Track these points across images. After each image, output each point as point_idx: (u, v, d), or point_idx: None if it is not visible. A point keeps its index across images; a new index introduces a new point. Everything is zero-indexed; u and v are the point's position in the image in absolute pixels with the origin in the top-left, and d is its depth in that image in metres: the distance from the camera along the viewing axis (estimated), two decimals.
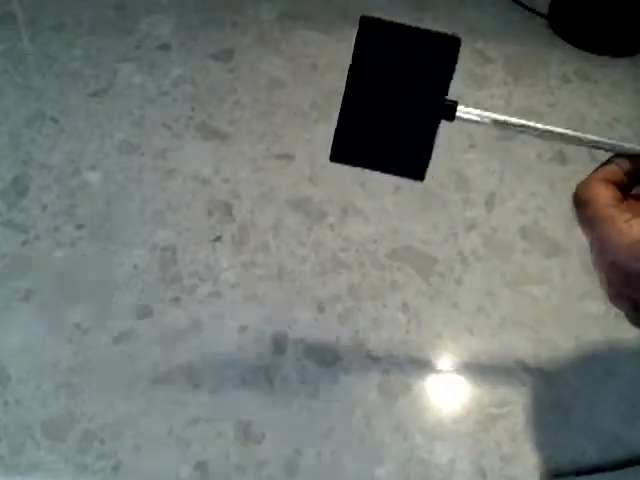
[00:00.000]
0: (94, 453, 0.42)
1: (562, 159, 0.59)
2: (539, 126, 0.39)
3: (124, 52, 0.67)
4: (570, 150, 0.59)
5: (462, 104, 0.38)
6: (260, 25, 0.70)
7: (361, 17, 0.37)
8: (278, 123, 0.61)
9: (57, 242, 0.52)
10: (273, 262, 0.51)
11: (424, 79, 0.37)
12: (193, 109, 0.62)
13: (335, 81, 0.65)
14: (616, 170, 0.39)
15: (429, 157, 0.38)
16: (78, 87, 0.64)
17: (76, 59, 0.66)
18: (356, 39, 0.37)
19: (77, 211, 0.54)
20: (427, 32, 0.37)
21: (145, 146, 0.59)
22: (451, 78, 0.37)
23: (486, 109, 0.38)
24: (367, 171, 0.52)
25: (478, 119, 0.39)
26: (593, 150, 0.61)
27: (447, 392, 0.45)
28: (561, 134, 0.40)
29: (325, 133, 0.60)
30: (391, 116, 0.38)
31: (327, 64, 0.66)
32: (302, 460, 0.42)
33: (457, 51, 0.36)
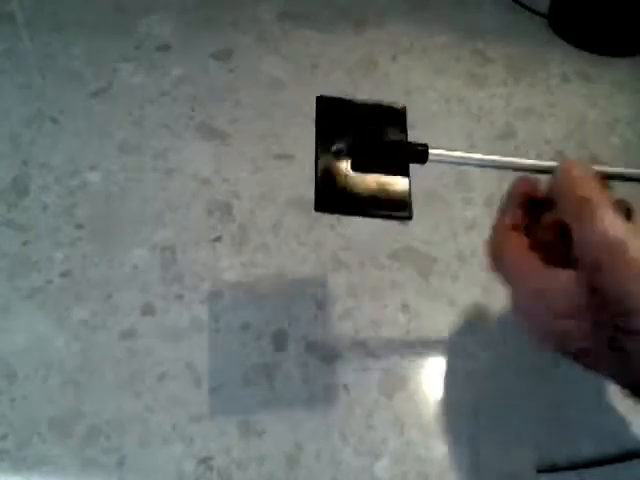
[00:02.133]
0: (99, 448, 0.42)
1: (562, 159, 0.59)
2: (497, 159, 0.43)
3: (124, 52, 0.67)
4: (570, 150, 0.60)
5: (431, 147, 0.42)
6: (260, 25, 0.70)
7: (317, 97, 0.43)
8: (278, 123, 0.61)
9: (57, 242, 0.52)
10: (273, 262, 0.51)
11: (383, 136, 0.42)
12: (193, 109, 0.62)
13: (335, 81, 0.65)
14: (518, 213, 0.40)
15: (409, 198, 0.40)
16: (78, 87, 0.64)
17: (76, 59, 0.66)
18: (316, 111, 0.42)
19: (77, 211, 0.54)
20: (376, 105, 0.43)
21: (145, 146, 0.59)
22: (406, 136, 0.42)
23: (452, 149, 0.42)
24: None
25: (448, 159, 0.43)
26: (593, 150, 0.62)
27: (445, 389, 0.46)
28: (512, 164, 0.42)
29: None
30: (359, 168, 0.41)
31: (327, 64, 0.66)
32: (302, 455, 0.42)
33: (404, 116, 0.43)
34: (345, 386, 0.45)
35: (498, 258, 0.39)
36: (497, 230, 0.40)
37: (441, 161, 0.42)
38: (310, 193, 0.56)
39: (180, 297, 0.49)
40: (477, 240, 0.53)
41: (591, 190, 0.35)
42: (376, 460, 0.42)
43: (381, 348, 0.47)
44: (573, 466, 0.42)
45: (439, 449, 0.43)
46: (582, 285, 0.34)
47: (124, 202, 0.55)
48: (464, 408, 0.45)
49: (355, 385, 0.45)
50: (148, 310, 0.49)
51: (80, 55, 0.67)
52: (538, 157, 0.59)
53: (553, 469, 0.42)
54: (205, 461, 0.42)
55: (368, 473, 0.42)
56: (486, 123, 0.61)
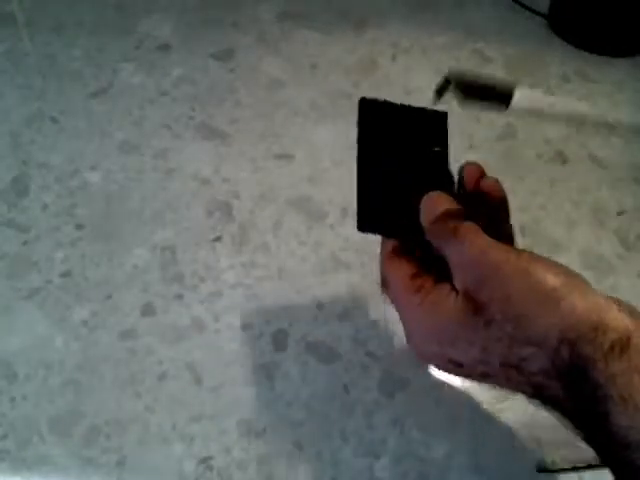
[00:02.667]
0: (99, 448, 0.42)
1: (562, 159, 0.59)
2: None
3: (124, 52, 0.67)
4: (570, 150, 0.60)
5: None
6: (260, 25, 0.70)
7: (360, 99, 0.40)
8: (278, 123, 0.61)
9: (57, 242, 0.52)
10: (273, 262, 0.51)
11: (425, 151, 0.40)
12: (193, 109, 0.62)
13: (335, 81, 0.65)
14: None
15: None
16: (78, 87, 0.64)
17: (76, 59, 0.66)
18: (358, 120, 0.40)
19: (77, 211, 0.54)
20: (417, 109, 0.40)
21: (145, 146, 0.59)
22: (447, 147, 0.40)
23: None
24: None
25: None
26: (593, 150, 0.62)
27: (444, 388, 0.45)
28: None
29: (325, 133, 0.60)
30: (403, 186, 0.40)
31: (327, 64, 0.66)
32: (302, 455, 0.42)
33: (446, 124, 0.40)
34: (345, 386, 0.45)
35: (386, 287, 0.40)
36: (381, 258, 0.41)
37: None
38: (310, 193, 0.56)
39: (180, 297, 0.49)
40: None
41: (461, 220, 0.36)
42: (376, 460, 0.42)
43: (381, 348, 0.47)
44: (573, 466, 0.42)
45: (439, 449, 0.43)
46: (465, 310, 0.35)
47: (124, 202, 0.55)
48: (464, 408, 0.45)
49: (355, 385, 0.45)
50: (148, 310, 0.49)
51: (80, 55, 0.67)
52: (538, 157, 0.59)
53: (553, 469, 0.42)
54: (205, 461, 0.42)
55: (368, 473, 0.42)
56: (486, 123, 0.61)
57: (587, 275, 0.51)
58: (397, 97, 0.63)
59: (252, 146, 0.59)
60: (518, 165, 0.58)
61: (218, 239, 0.53)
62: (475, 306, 0.34)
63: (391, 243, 0.40)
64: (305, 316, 0.49)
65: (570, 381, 0.32)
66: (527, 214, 0.55)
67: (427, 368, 0.43)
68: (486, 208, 0.40)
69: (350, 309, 0.49)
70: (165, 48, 0.67)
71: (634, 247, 0.53)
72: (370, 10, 0.71)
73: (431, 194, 0.38)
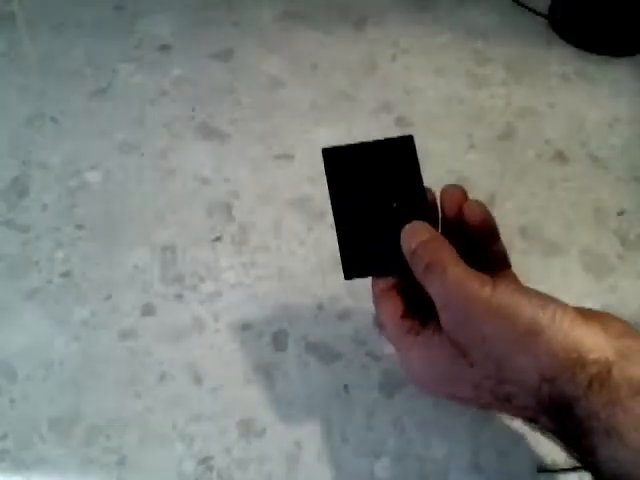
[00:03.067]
0: (99, 448, 0.42)
1: (562, 159, 0.59)
2: None
3: (124, 52, 0.67)
4: (570, 150, 0.60)
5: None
6: (260, 25, 0.70)
7: (322, 150, 0.40)
8: (278, 123, 0.61)
9: (57, 242, 0.52)
10: (273, 262, 0.51)
11: (398, 181, 0.40)
12: (193, 109, 0.62)
13: (335, 81, 0.65)
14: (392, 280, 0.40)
15: None
16: (78, 87, 0.64)
17: (76, 59, 0.66)
18: (325, 169, 0.40)
19: (77, 211, 0.54)
20: (381, 141, 0.40)
21: (145, 146, 0.59)
22: (419, 171, 0.40)
23: None
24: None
25: None
26: (593, 150, 0.62)
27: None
28: None
29: (325, 133, 0.60)
30: (383, 222, 0.39)
31: (327, 64, 0.66)
32: (302, 455, 0.42)
33: (414, 147, 0.40)
34: (345, 386, 0.45)
35: (380, 327, 0.42)
36: (373, 298, 0.41)
37: None
38: (310, 193, 0.56)
39: (180, 297, 0.49)
40: None
41: (436, 252, 0.36)
42: (376, 460, 0.42)
43: (381, 348, 0.47)
44: (573, 466, 0.42)
45: (439, 449, 0.43)
46: (451, 352, 0.35)
47: (124, 202, 0.55)
48: (464, 408, 0.45)
49: (355, 385, 0.45)
50: (148, 310, 0.49)
51: (80, 55, 0.67)
52: (538, 157, 0.59)
53: (553, 469, 0.42)
54: (205, 461, 0.42)
55: (368, 473, 0.42)
56: (486, 123, 0.61)
57: (587, 275, 0.51)
58: (397, 97, 0.63)
59: (252, 146, 0.59)
60: (518, 165, 0.58)
61: (218, 239, 0.53)
62: (458, 349, 0.35)
63: (380, 281, 0.40)
64: (305, 316, 0.49)
65: (556, 417, 0.33)
66: (527, 214, 0.55)
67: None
68: (472, 231, 0.39)
69: (350, 309, 0.49)
70: (165, 48, 0.67)
71: (634, 247, 0.53)
72: (370, 10, 0.71)
73: (408, 226, 0.38)
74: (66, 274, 0.51)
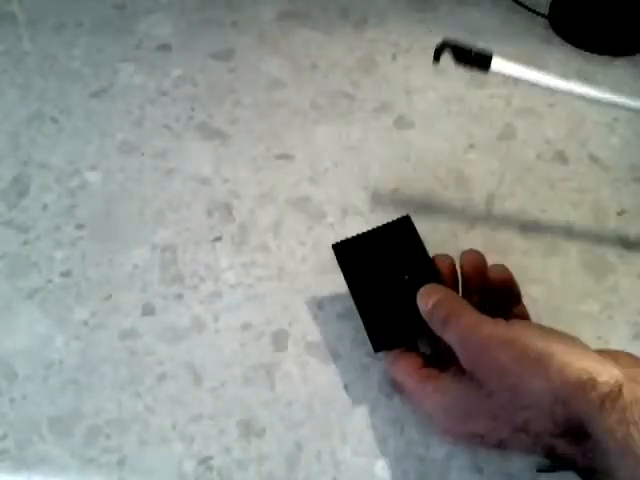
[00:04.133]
0: (99, 448, 0.42)
1: (562, 159, 0.59)
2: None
3: (124, 52, 0.67)
4: (570, 150, 0.60)
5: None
6: (260, 25, 0.70)
7: (332, 245, 0.46)
8: (278, 123, 0.61)
9: (57, 242, 0.52)
10: (273, 262, 0.51)
11: (405, 256, 0.44)
12: (193, 109, 0.62)
13: (335, 81, 0.65)
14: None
15: None
16: (78, 87, 0.64)
17: (76, 59, 0.66)
18: (338, 262, 0.45)
19: (77, 211, 0.54)
20: (383, 226, 0.46)
21: (145, 146, 0.59)
22: (422, 244, 0.44)
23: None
24: (367, 172, 0.53)
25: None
26: (593, 150, 0.62)
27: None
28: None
29: (325, 133, 0.60)
30: (399, 296, 0.43)
31: (327, 64, 0.66)
32: (302, 455, 0.42)
33: (412, 224, 0.45)
34: (345, 386, 0.45)
35: (397, 385, 0.43)
36: (386, 362, 0.44)
37: (503, 72, 0.45)
38: (310, 193, 0.56)
39: (180, 297, 0.49)
40: (477, 240, 0.53)
41: (451, 305, 0.39)
42: (376, 460, 0.42)
43: None
44: None
45: (439, 449, 0.43)
46: (470, 386, 0.37)
47: (124, 202, 0.55)
48: None
49: (355, 385, 0.45)
50: (148, 310, 0.49)
51: (80, 55, 0.67)
52: (538, 157, 0.59)
53: (553, 469, 0.42)
54: (205, 461, 0.42)
55: (368, 473, 0.42)
56: (486, 123, 0.61)
57: (587, 278, 0.51)
58: (397, 97, 0.63)
59: (252, 146, 0.59)
60: (518, 165, 0.58)
61: (218, 239, 0.53)
62: (476, 383, 0.37)
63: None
64: (305, 316, 0.49)
65: (573, 439, 0.34)
66: (527, 214, 0.55)
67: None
68: (494, 293, 0.43)
69: (350, 309, 0.49)
70: (165, 48, 0.67)
71: (634, 247, 0.53)
72: (370, 10, 0.71)
73: (421, 289, 0.42)
74: (66, 274, 0.51)
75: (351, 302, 0.49)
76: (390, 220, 0.46)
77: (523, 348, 0.35)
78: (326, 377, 0.46)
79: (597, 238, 0.54)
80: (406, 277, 0.44)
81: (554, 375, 0.34)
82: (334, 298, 0.50)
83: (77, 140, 0.59)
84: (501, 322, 0.37)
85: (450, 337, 0.38)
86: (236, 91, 0.64)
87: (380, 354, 0.44)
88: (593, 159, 0.59)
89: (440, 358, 0.41)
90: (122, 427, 0.43)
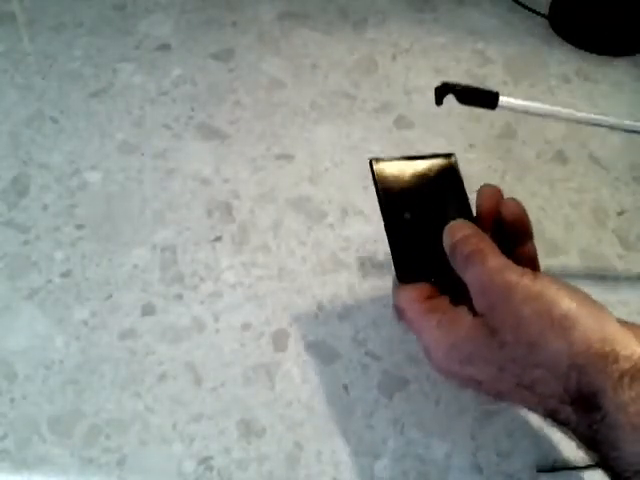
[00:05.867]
0: (99, 448, 0.42)
1: (562, 159, 0.59)
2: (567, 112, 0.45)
3: (124, 52, 0.67)
4: (570, 150, 0.60)
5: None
6: (260, 25, 0.70)
7: (370, 160, 0.43)
8: (278, 123, 0.61)
9: (57, 242, 0.52)
10: (273, 262, 0.51)
11: (446, 194, 0.42)
12: (193, 109, 0.62)
13: (335, 81, 0.65)
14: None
15: None
16: (78, 87, 0.64)
17: (76, 59, 0.66)
18: (373, 178, 0.43)
19: (77, 211, 0.54)
20: (426, 156, 0.44)
21: (145, 146, 0.59)
22: (462, 184, 0.43)
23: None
24: (367, 172, 0.53)
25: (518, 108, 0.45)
26: (593, 150, 0.62)
27: (444, 388, 0.45)
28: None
29: (325, 133, 0.60)
30: (430, 231, 0.41)
31: (327, 64, 0.66)
32: (302, 455, 0.42)
33: (456, 162, 0.43)
34: (345, 386, 0.45)
35: (401, 313, 0.40)
36: (394, 287, 0.41)
37: (510, 109, 0.44)
38: (310, 193, 0.56)
39: (180, 297, 0.49)
40: None
41: (477, 244, 0.37)
42: (376, 460, 0.42)
43: (381, 348, 0.47)
44: (573, 466, 0.42)
45: (439, 449, 0.43)
46: (482, 331, 0.35)
47: (124, 202, 0.55)
48: (464, 408, 0.45)
49: (355, 385, 0.45)
50: (148, 310, 0.49)
51: (80, 55, 0.67)
52: (538, 157, 0.59)
53: (553, 469, 0.42)
54: (205, 461, 0.42)
55: (368, 473, 0.42)
56: (486, 123, 0.61)
57: (587, 278, 0.51)
58: (397, 97, 0.63)
59: (252, 146, 0.59)
60: (518, 165, 0.58)
61: (218, 239, 0.53)
62: (490, 329, 0.35)
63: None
64: (305, 316, 0.49)
65: (581, 407, 0.32)
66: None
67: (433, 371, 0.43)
68: (506, 229, 0.40)
69: (350, 309, 0.49)
70: (165, 48, 0.67)
71: (634, 247, 0.53)
72: (370, 10, 0.71)
73: (450, 224, 0.39)
74: (66, 274, 0.51)
75: (351, 303, 0.49)
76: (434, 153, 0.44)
77: (549, 304, 0.33)
78: (326, 377, 0.46)
79: (597, 238, 0.54)
80: (438, 215, 0.41)
81: (577, 339, 0.32)
82: (334, 298, 0.50)
83: (77, 140, 0.59)
84: (528, 272, 0.35)
85: (471, 277, 0.36)
86: (236, 91, 0.64)
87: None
88: (593, 159, 0.59)
89: (453, 296, 0.39)
90: (122, 427, 0.43)
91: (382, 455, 0.43)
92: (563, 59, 0.67)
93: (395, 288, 0.41)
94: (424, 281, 0.40)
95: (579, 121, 0.45)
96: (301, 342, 0.47)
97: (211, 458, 0.42)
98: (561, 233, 0.54)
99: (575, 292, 0.35)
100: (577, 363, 0.32)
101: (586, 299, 0.34)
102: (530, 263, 0.40)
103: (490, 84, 0.65)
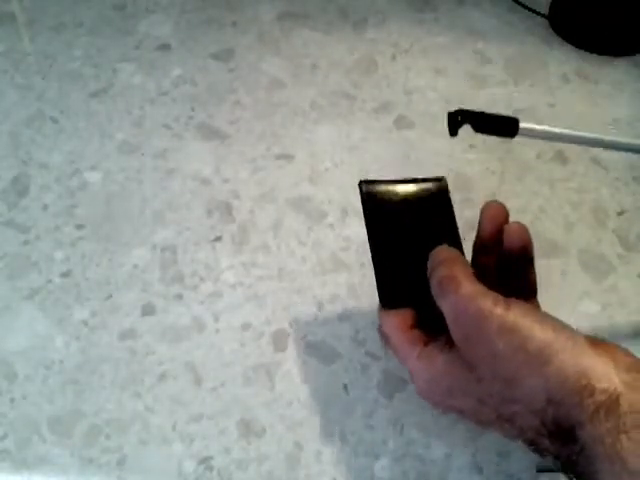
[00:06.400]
0: (99, 448, 0.42)
1: (562, 159, 0.59)
2: (586, 135, 0.43)
3: (124, 52, 0.67)
4: (570, 150, 0.60)
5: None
6: (260, 25, 0.70)
7: (359, 182, 0.42)
8: (278, 123, 0.61)
9: (57, 242, 0.52)
10: (273, 262, 0.51)
11: (432, 217, 0.41)
12: (193, 109, 0.62)
13: (335, 81, 0.65)
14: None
15: None
16: (78, 87, 0.64)
17: (76, 59, 0.66)
18: (362, 201, 0.41)
19: (77, 211, 0.54)
20: (416, 180, 0.42)
21: (145, 146, 0.59)
22: (451, 209, 0.41)
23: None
24: (367, 172, 0.53)
25: (538, 134, 0.42)
26: (593, 151, 0.62)
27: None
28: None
29: (325, 133, 0.60)
30: (417, 257, 0.40)
31: (327, 64, 0.66)
32: (302, 455, 0.42)
33: (446, 186, 0.42)
34: (345, 386, 0.45)
35: (386, 339, 0.40)
36: (379, 313, 0.41)
37: (531, 135, 0.41)
38: (310, 193, 0.56)
39: (180, 297, 0.49)
40: None
41: (451, 268, 0.36)
42: (376, 460, 0.42)
43: (381, 348, 0.47)
44: None
45: (439, 449, 0.43)
46: (459, 365, 0.35)
47: (124, 202, 0.55)
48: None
49: (355, 385, 0.45)
50: (148, 310, 0.49)
51: (80, 55, 0.67)
52: (538, 157, 0.59)
53: (553, 469, 0.42)
54: (205, 461, 0.42)
55: (368, 473, 0.42)
56: None
57: (587, 278, 0.51)
58: (397, 97, 0.63)
59: (252, 146, 0.59)
60: (518, 165, 0.58)
61: (218, 239, 0.53)
62: (467, 363, 0.35)
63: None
64: (305, 316, 0.49)
65: (559, 439, 0.33)
66: (527, 214, 0.55)
67: None
68: (507, 255, 0.39)
69: (350, 309, 0.49)
70: (165, 48, 0.67)
71: (634, 247, 0.53)
72: (370, 10, 0.71)
73: (434, 250, 0.39)
74: (66, 274, 0.51)
75: (351, 303, 0.49)
76: (425, 177, 0.43)
77: (523, 338, 0.33)
78: (326, 377, 0.46)
79: (597, 238, 0.54)
80: (429, 243, 0.40)
81: (552, 374, 0.32)
82: (334, 298, 0.50)
83: (77, 140, 0.59)
84: (500, 300, 0.34)
85: (444, 305, 0.36)
86: (236, 91, 0.64)
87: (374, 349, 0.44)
88: (593, 159, 0.59)
89: (435, 323, 0.38)
90: (122, 427, 0.43)
91: (382, 455, 0.42)
92: (563, 59, 0.67)
93: (380, 313, 0.40)
94: (407, 307, 0.40)
95: (605, 145, 0.43)
96: (301, 342, 0.47)
97: (211, 458, 0.42)
98: (561, 233, 0.54)
99: (549, 322, 0.34)
100: (553, 398, 0.32)
101: (561, 329, 0.34)
102: (530, 290, 0.41)
103: (490, 84, 0.65)
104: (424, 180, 0.42)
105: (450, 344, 0.36)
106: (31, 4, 0.71)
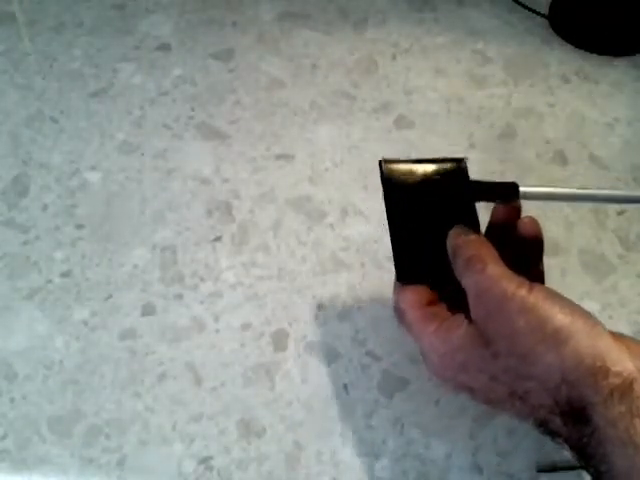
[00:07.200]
0: (99, 448, 0.42)
1: (562, 159, 0.59)
2: (592, 192, 0.44)
3: (124, 52, 0.67)
4: (570, 150, 0.60)
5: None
6: (260, 25, 0.70)
7: (380, 160, 0.42)
8: (278, 123, 0.61)
9: (57, 242, 0.52)
10: (273, 262, 0.52)
11: (451, 196, 0.42)
12: (193, 109, 0.62)
13: (335, 81, 0.65)
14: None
15: None
16: (78, 87, 0.64)
17: (76, 59, 0.66)
18: (381, 179, 0.41)
19: (77, 211, 0.54)
20: (436, 160, 0.43)
21: (145, 146, 0.59)
22: (470, 190, 0.42)
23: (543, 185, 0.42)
24: (367, 172, 0.53)
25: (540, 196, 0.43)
26: (593, 150, 0.62)
27: (444, 388, 0.46)
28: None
29: (325, 133, 0.60)
30: (434, 235, 0.40)
31: (327, 64, 0.66)
32: (302, 455, 0.42)
33: (466, 170, 0.42)
34: (345, 386, 0.45)
35: (400, 315, 0.40)
36: (395, 288, 0.41)
37: (534, 198, 0.42)
38: (310, 193, 0.56)
39: (180, 297, 0.50)
40: None
41: (478, 249, 0.37)
42: (376, 460, 0.42)
43: (381, 348, 0.47)
44: (573, 466, 0.42)
45: (439, 449, 0.43)
46: (476, 340, 0.36)
47: (124, 202, 0.55)
48: (464, 408, 0.45)
49: (355, 385, 0.45)
50: (148, 310, 0.49)
51: (80, 55, 0.67)
52: (538, 157, 0.59)
53: (553, 469, 0.42)
54: (205, 461, 0.42)
55: (368, 473, 0.42)
56: (486, 123, 0.61)
57: (587, 278, 0.51)
58: (397, 97, 0.63)
59: (252, 146, 0.59)
60: (518, 165, 0.58)
61: (218, 239, 0.53)
62: (484, 339, 0.35)
63: None
64: (305, 316, 0.49)
65: (570, 419, 0.33)
66: (527, 214, 0.55)
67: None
68: (518, 246, 0.41)
69: (350, 309, 0.49)
70: (165, 48, 0.67)
71: (634, 247, 0.53)
72: (370, 10, 0.71)
73: (454, 228, 0.39)
74: (66, 274, 0.51)
75: (351, 303, 0.49)
76: (443, 157, 0.43)
77: (543, 318, 0.34)
78: (326, 377, 0.46)
79: (597, 238, 0.54)
80: (447, 221, 0.41)
81: (568, 354, 0.33)
82: (334, 298, 0.50)
83: (77, 140, 0.59)
84: (525, 283, 0.35)
85: (469, 282, 0.36)
86: (236, 91, 0.64)
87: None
88: (593, 159, 0.59)
89: (452, 302, 0.39)
90: (122, 427, 0.43)
91: (382, 455, 0.43)
92: (563, 59, 0.67)
93: (396, 289, 0.40)
94: (423, 283, 0.40)
95: (610, 201, 0.44)
96: (301, 342, 0.47)
97: (211, 458, 0.42)
98: (561, 233, 0.54)
99: (569, 306, 0.35)
100: (568, 377, 0.33)
101: (580, 314, 0.34)
102: (538, 279, 0.41)
103: (490, 84, 0.65)
104: (444, 160, 0.43)
105: (468, 320, 0.36)
106: (31, 4, 0.71)
